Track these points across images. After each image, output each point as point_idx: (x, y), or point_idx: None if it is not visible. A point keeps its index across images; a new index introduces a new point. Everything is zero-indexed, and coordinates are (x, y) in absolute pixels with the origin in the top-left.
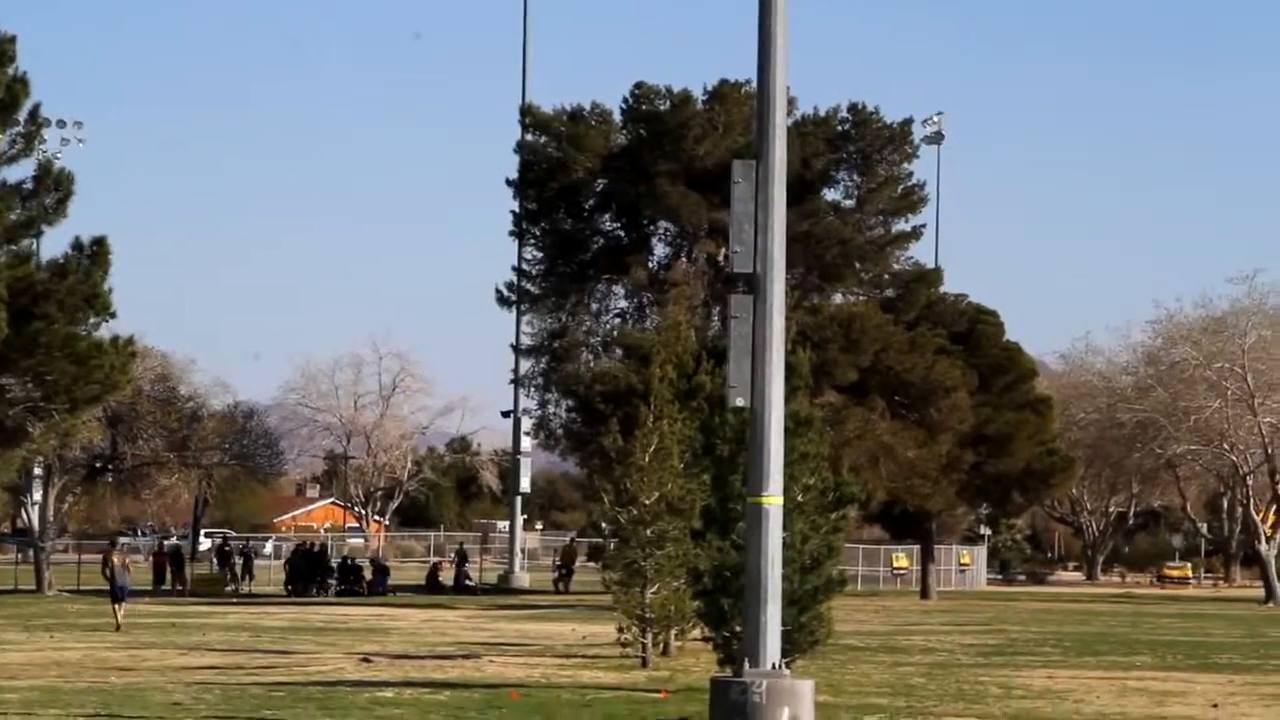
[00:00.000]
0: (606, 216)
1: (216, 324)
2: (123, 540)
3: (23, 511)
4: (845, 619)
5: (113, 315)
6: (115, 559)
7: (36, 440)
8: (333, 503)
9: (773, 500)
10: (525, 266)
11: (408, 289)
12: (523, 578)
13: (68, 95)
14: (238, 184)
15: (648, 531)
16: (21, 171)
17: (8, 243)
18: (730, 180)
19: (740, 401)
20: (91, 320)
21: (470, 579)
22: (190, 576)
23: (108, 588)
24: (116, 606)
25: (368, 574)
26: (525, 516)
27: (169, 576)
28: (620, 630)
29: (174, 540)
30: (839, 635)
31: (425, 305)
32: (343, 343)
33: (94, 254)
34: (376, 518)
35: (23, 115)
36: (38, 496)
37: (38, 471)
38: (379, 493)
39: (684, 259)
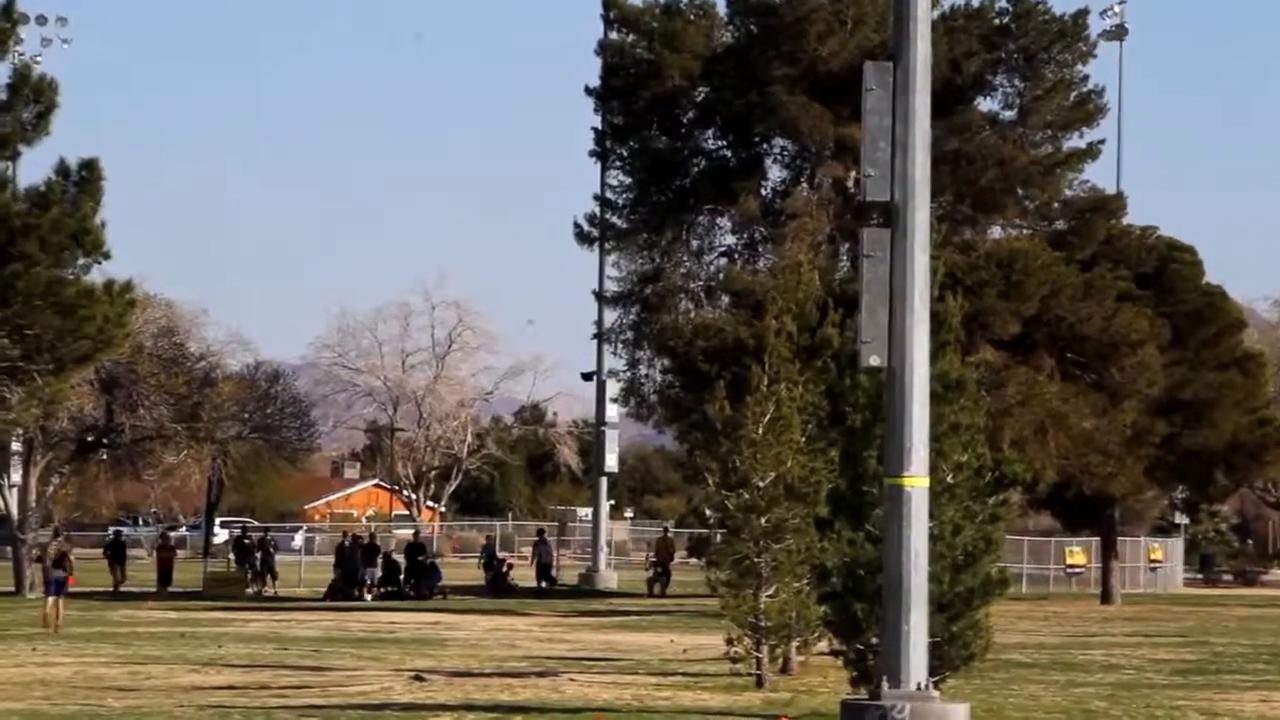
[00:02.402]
0: (709, 133)
1: (233, 267)
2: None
3: None
4: (1007, 628)
5: (106, 255)
6: (51, 550)
7: (15, 409)
8: (376, 485)
9: (916, 482)
10: (610, 195)
11: (464, 224)
12: (609, 577)
13: None
14: (258, 99)
15: (762, 520)
16: None
17: None
18: (862, 87)
19: (876, 360)
20: (80, 261)
21: (509, 576)
22: (204, 575)
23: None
24: (51, 603)
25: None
26: (612, 502)
27: (111, 572)
28: (730, 642)
29: (120, 528)
30: (1000, 648)
31: (486, 243)
32: (387, 289)
33: (83, 180)
34: (430, 503)
35: None
36: (17, 478)
37: (16, 447)
38: (433, 473)
39: (805, 184)
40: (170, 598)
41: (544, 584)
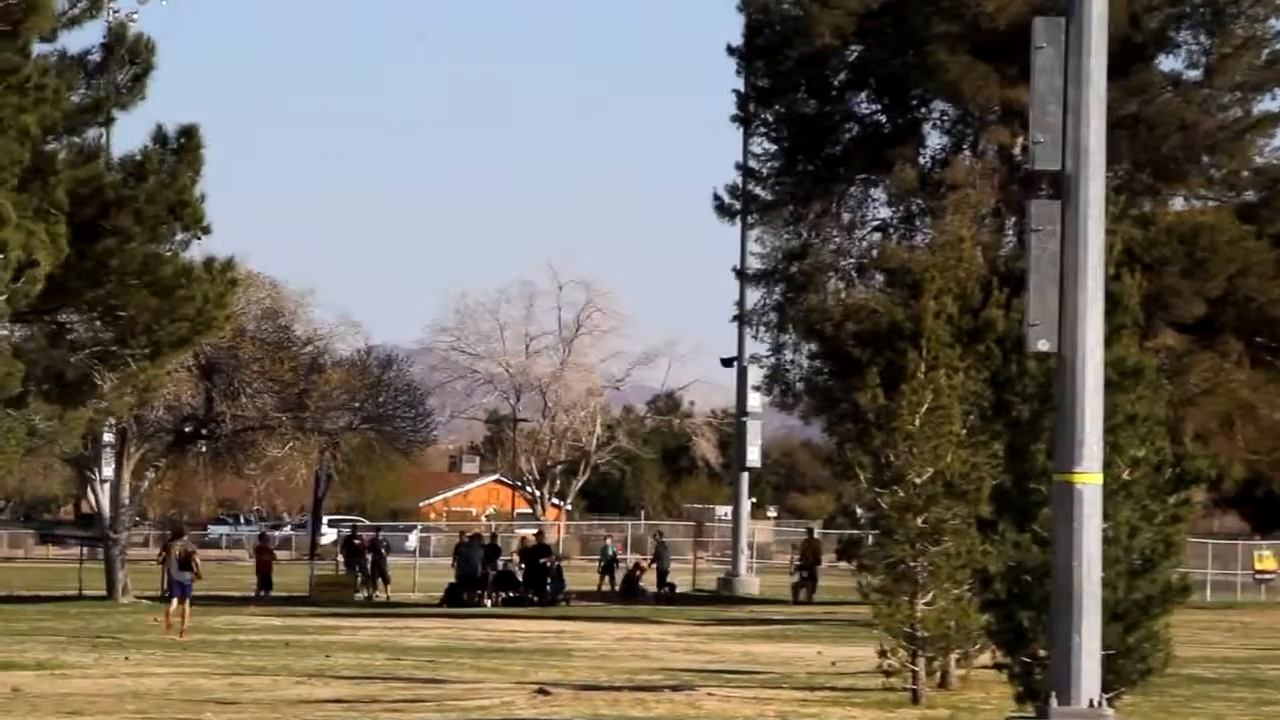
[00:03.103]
0: (862, 95)
1: (343, 243)
2: (220, 530)
3: (89, 492)
4: (1189, 640)
5: (206, 230)
6: (174, 551)
7: (107, 397)
8: (497, 481)
9: (1089, 479)
10: (754, 163)
11: (594, 196)
12: (750, 582)
13: None
14: (372, 60)
15: (919, 521)
16: (86, 38)
17: (68, 133)
18: (1031, 45)
19: (1044, 345)
20: (178, 237)
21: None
22: (310, 578)
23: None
24: (175, 606)
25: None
26: (754, 500)
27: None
28: (882, 654)
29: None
30: (1181, 662)
31: (617, 217)
32: (509, 267)
33: (182, 148)
34: (555, 501)
35: None
36: (109, 472)
37: (109, 439)
38: (558, 467)
39: (967, 152)
40: (271, 603)
41: (662, 590)
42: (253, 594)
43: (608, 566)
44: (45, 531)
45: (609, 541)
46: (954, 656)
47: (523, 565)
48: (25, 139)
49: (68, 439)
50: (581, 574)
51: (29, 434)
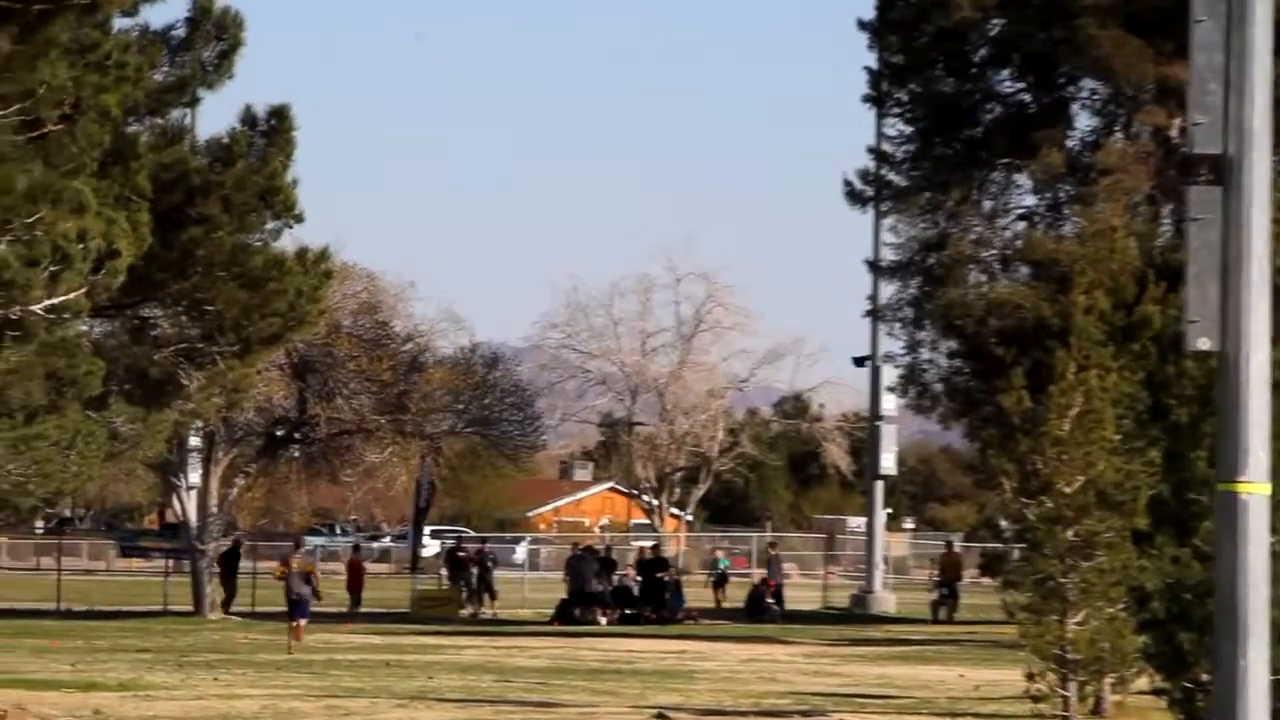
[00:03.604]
0: (1005, 73)
1: (445, 234)
2: (315, 541)
3: (175, 500)
4: None
5: (299, 218)
6: (294, 564)
7: (194, 398)
8: (612, 489)
9: (1254, 488)
10: (887, 147)
11: (716, 182)
12: (886, 599)
13: None
14: (476, 36)
15: (1069, 534)
16: (169, 12)
17: (151, 114)
18: (1189, 18)
19: (1205, 343)
20: (269, 225)
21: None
22: (412, 593)
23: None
24: (292, 625)
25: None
26: (889, 511)
27: (216, 590)
28: (1030, 678)
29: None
30: None
31: (741, 205)
32: (624, 259)
33: (272, 130)
34: (674, 511)
35: None
36: (195, 479)
37: (195, 443)
38: (678, 475)
39: (1119, 134)
40: (369, 620)
41: (773, 606)
42: (346, 610)
43: (720, 580)
44: (128, 543)
45: (720, 554)
46: (1108, 681)
47: (639, 580)
48: (105, 120)
49: (151, 443)
50: (703, 589)
51: (110, 438)
